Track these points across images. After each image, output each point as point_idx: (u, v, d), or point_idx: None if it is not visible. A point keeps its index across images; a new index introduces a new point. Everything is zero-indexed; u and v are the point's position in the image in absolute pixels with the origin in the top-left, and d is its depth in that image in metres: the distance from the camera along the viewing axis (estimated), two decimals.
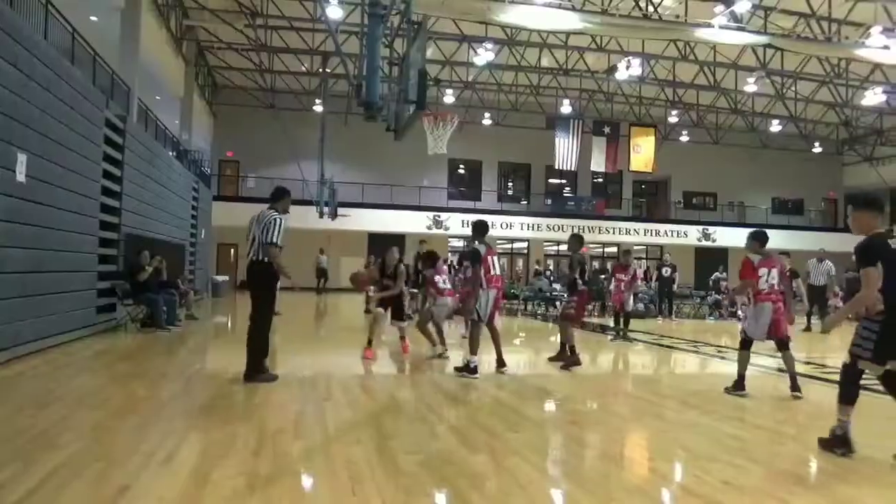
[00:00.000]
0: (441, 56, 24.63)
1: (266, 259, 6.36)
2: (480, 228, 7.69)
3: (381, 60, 8.19)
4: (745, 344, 6.73)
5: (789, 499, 3.62)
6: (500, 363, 7.57)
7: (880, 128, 31.25)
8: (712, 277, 20.41)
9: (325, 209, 23.64)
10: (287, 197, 6.75)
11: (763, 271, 6.64)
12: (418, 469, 3.89)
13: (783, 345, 6.70)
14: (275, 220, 6.38)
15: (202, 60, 26.02)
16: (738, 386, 6.61)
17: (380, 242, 25.29)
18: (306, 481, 3.73)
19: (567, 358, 8.31)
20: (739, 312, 18.43)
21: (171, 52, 20.97)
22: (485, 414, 5.73)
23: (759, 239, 6.82)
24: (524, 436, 4.85)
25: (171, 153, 17.38)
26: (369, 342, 8.51)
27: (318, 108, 25.64)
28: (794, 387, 6.51)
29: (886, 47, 18.63)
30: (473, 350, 7.29)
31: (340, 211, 24.36)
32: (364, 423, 5.04)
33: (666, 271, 18.04)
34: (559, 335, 9.01)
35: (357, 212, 26.99)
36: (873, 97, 24.71)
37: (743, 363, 6.68)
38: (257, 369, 6.43)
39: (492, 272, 7.42)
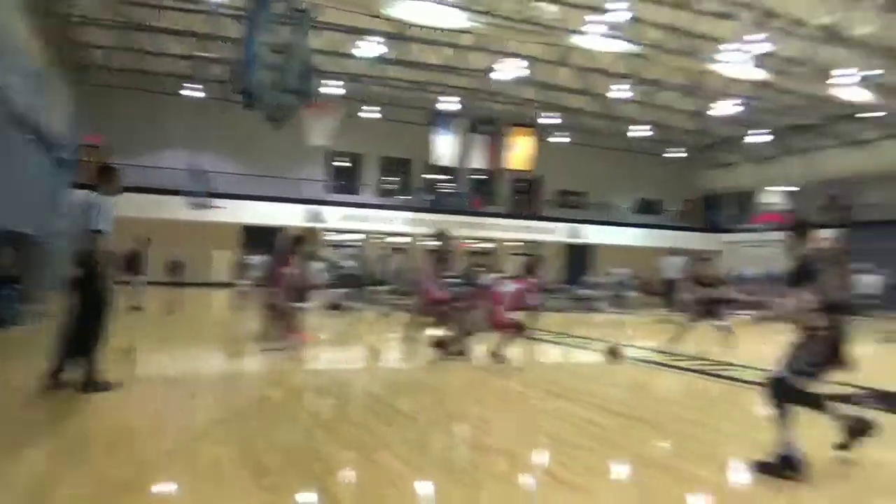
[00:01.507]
0: (325, 46, 24.11)
1: (91, 248, 5.60)
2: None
3: (262, 48, 7.89)
4: None
5: (648, 482, 3.86)
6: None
7: (731, 136, 34.15)
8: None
9: (197, 200, 22.52)
10: (114, 176, 5.89)
11: None
12: (286, 467, 3.77)
13: None
14: (99, 204, 5.62)
15: (66, 37, 23.82)
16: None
17: (255, 236, 24.46)
18: (165, 486, 3.51)
19: (451, 348, 8.53)
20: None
21: (29, 26, 19.04)
22: (357, 409, 5.68)
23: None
24: (395, 430, 4.84)
25: (25, 136, 15.75)
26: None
27: (193, 94, 24.31)
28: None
29: (738, 63, 20.37)
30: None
31: (213, 202, 23.29)
32: (231, 422, 4.84)
33: None
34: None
35: (231, 203, 25.88)
36: (726, 108, 26.95)
37: None
38: (92, 376, 5.53)
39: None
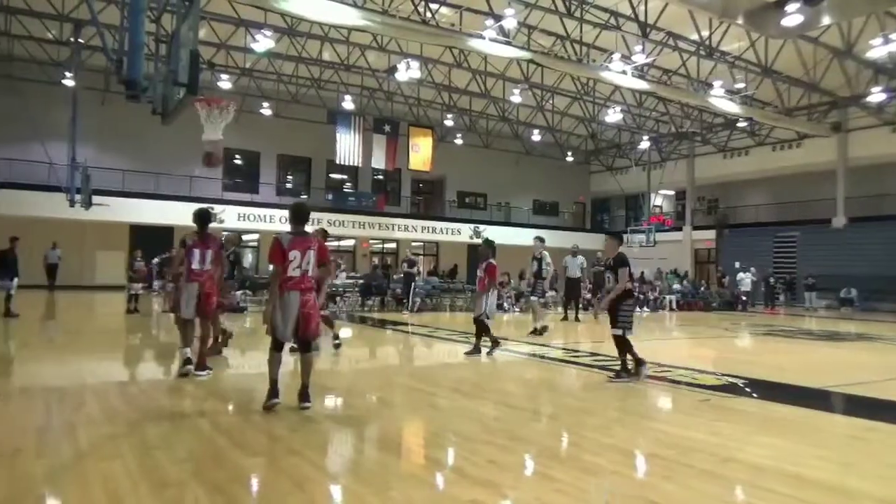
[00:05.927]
0: (216, 38, 23.22)
1: None
2: None
3: (145, 35, 7.53)
4: (279, 346, 5.50)
5: (546, 471, 4.03)
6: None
7: (618, 142, 35.99)
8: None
9: (78, 197, 21.05)
10: None
11: (295, 254, 5.30)
12: (188, 478, 3.65)
13: (307, 346, 5.58)
14: None
15: None
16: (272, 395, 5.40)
17: (145, 235, 23.26)
18: None
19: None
20: (505, 304, 20.02)
21: None
22: (262, 414, 5.55)
23: (297, 216, 5.52)
24: (302, 434, 4.78)
25: None
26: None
27: (69, 83, 22.69)
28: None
29: (624, 72, 21.47)
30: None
31: (97, 200, 21.82)
32: (125, 435, 4.59)
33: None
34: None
35: (117, 201, 24.40)
36: (613, 115, 28.34)
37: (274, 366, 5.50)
38: None
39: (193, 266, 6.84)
